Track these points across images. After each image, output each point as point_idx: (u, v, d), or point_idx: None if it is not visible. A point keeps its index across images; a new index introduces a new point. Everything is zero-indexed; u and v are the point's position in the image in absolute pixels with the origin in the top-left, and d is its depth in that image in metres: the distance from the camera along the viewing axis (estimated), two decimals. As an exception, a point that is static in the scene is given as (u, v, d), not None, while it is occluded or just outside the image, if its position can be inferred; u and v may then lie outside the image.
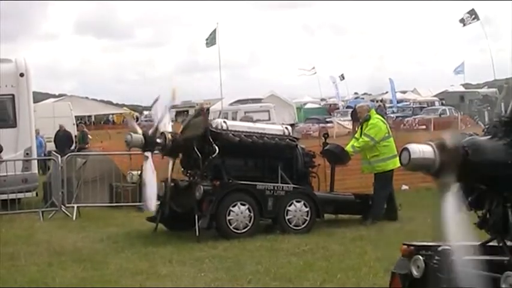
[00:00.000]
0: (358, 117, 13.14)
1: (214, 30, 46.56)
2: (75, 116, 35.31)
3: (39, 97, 44.91)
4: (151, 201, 11.54)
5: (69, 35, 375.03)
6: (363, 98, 62.93)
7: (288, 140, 12.10)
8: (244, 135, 11.68)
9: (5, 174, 15.10)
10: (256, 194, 11.41)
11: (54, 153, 16.68)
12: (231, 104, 44.84)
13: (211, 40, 46.57)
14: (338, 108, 58.71)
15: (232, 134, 11.59)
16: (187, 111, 50.25)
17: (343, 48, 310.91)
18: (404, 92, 75.34)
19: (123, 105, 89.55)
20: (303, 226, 11.64)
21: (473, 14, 52.04)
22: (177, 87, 12.38)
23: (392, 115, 50.16)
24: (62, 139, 23.25)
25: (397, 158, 11.81)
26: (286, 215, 11.58)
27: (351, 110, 37.47)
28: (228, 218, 11.13)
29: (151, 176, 11.57)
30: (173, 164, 11.99)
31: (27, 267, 9.59)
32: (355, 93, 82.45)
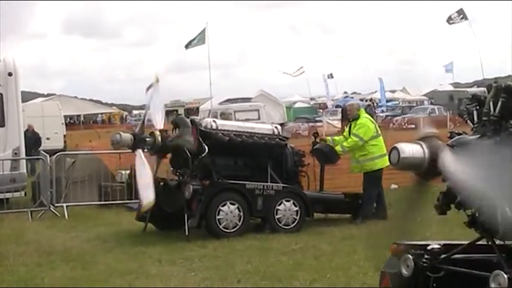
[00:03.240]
0: (348, 115, 13.16)
1: (203, 30, 46.48)
2: (64, 116, 35.22)
3: (28, 97, 44.70)
4: (148, 198, 11.26)
5: (57, 34, 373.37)
6: (352, 97, 63.03)
7: (277, 139, 12.09)
8: (234, 135, 11.67)
9: (-7, 173, 15.04)
10: (245, 193, 11.41)
11: (43, 152, 16.60)
12: (220, 104, 44.76)
13: (199, 40, 46.43)
14: (327, 107, 58.79)
15: (222, 134, 11.57)
16: (176, 110, 50.13)
17: (332, 47, 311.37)
18: (393, 91, 75.52)
19: (112, 105, 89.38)
20: (293, 225, 11.65)
21: (461, 14, 52.32)
22: (166, 85, 12.24)
23: (381, 114, 50.33)
24: (30, 140, 23.02)
25: (386, 157, 11.94)
26: (276, 214, 11.58)
27: (341, 109, 37.60)
28: (218, 217, 11.13)
29: (144, 171, 11.41)
30: (158, 164, 11.94)
31: (15, 267, 9.55)
32: (345, 92, 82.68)
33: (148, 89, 12.30)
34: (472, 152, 3.86)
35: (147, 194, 11.10)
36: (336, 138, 13.30)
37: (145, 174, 11.31)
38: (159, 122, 11.82)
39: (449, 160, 3.82)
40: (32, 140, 23.18)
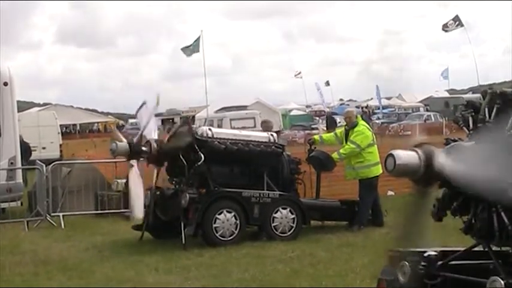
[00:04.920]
0: (346, 123, 13.18)
1: (198, 38, 46.44)
2: (60, 125, 35.17)
3: (23, 106, 44.66)
4: (138, 210, 11.46)
5: (52, 44, 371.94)
6: (348, 105, 63.14)
7: (273, 147, 12.08)
8: (230, 143, 11.66)
9: (-11, 183, 15.00)
10: (242, 201, 11.40)
11: (39, 161, 16.57)
12: (216, 112, 44.77)
13: (194, 48, 46.38)
14: (324, 115, 58.87)
15: (218, 142, 11.56)
16: (172, 119, 50.13)
17: (327, 55, 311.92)
18: (389, 98, 75.69)
19: (108, 114, 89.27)
20: (289, 233, 11.63)
21: (457, 21, 52.51)
22: (161, 93, 12.27)
23: (377, 121, 50.41)
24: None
25: (380, 165, 11.97)
26: (273, 222, 11.56)
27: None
28: (214, 225, 11.11)
29: (138, 184, 11.50)
30: (158, 173, 11.97)
31: (12, 277, 9.52)
32: (341, 99, 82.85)
33: (140, 108, 12.30)
34: (466, 150, 3.88)
35: (138, 207, 11.19)
36: (324, 136, 13.36)
37: (137, 185, 11.36)
38: (152, 135, 11.86)
39: (445, 160, 3.83)
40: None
